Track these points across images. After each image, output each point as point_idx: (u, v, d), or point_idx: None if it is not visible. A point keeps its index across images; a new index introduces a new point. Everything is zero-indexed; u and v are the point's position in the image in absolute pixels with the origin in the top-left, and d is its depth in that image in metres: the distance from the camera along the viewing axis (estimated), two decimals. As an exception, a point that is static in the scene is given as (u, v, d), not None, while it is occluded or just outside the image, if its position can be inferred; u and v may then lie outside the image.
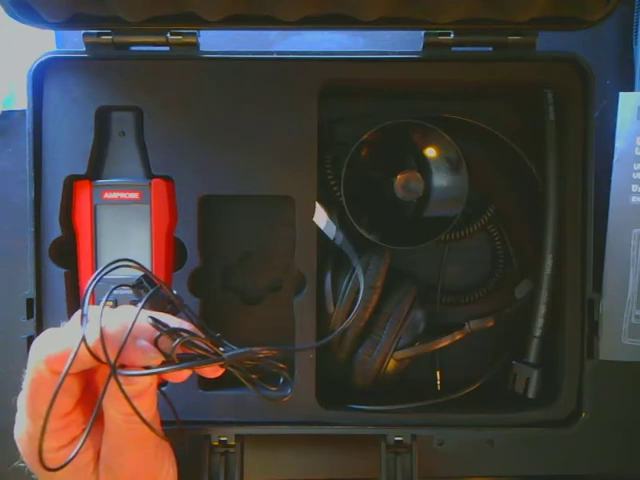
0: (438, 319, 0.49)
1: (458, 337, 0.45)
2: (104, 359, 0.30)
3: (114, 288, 0.35)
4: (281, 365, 0.35)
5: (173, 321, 0.34)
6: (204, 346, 0.32)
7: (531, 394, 0.45)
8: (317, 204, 0.45)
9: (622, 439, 0.53)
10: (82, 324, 0.31)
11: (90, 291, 0.32)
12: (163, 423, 0.39)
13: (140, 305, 0.32)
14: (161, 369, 0.31)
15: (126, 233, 0.45)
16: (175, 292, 0.35)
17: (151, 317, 0.32)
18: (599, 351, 0.46)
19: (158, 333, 0.31)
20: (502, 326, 0.47)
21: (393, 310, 0.45)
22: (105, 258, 0.45)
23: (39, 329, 0.45)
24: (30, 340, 0.45)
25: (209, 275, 0.49)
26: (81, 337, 0.30)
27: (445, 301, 0.51)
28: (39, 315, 0.45)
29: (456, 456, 0.54)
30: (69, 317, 0.45)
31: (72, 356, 0.30)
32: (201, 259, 0.46)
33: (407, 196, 0.46)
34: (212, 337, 0.33)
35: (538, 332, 0.45)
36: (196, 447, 0.48)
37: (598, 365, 0.46)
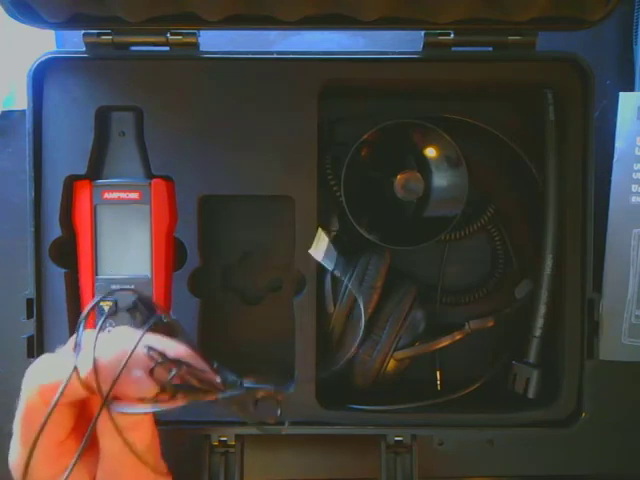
0: (438, 319, 0.49)
1: (458, 337, 0.45)
2: (96, 391, 0.30)
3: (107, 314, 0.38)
4: (278, 398, 0.33)
5: (170, 345, 0.32)
6: (200, 375, 0.31)
7: (531, 394, 0.45)
8: (319, 231, 0.44)
9: (622, 439, 0.53)
10: (75, 353, 0.31)
11: (85, 318, 0.31)
12: (164, 423, 0.40)
13: (139, 336, 0.31)
14: (154, 409, 0.30)
15: (126, 233, 0.45)
16: (173, 317, 0.34)
17: (148, 346, 0.31)
18: (599, 351, 0.46)
19: (153, 364, 0.30)
20: (502, 326, 0.47)
21: (393, 310, 0.45)
22: (105, 258, 0.45)
23: (39, 329, 0.45)
24: (30, 340, 0.45)
25: (209, 275, 0.49)
26: (73, 367, 0.30)
27: (445, 301, 0.51)
28: (39, 315, 0.45)
29: (456, 456, 0.54)
30: (69, 317, 0.45)
31: (62, 388, 0.29)
32: (201, 259, 0.46)
33: (407, 196, 0.46)
34: (210, 366, 0.32)
35: (538, 332, 0.45)
36: (196, 447, 0.48)
37: (598, 365, 0.46)
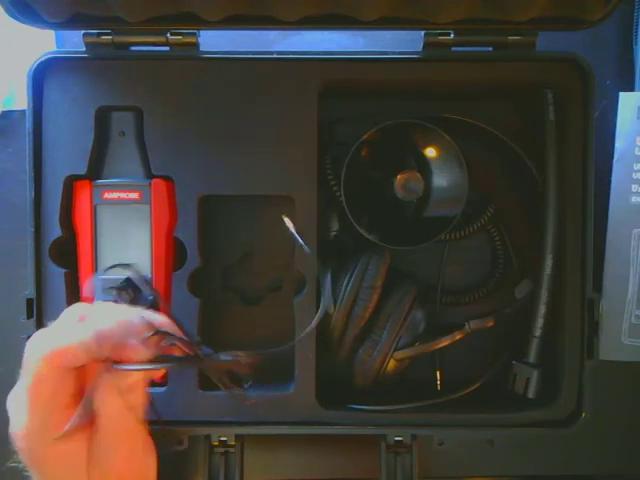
0: (438, 319, 0.49)
1: (458, 337, 0.45)
2: (101, 355, 0.32)
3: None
4: (246, 368, 0.37)
5: (159, 318, 0.36)
6: (184, 346, 0.35)
7: (531, 394, 0.45)
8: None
9: (622, 439, 0.53)
10: (80, 320, 0.34)
11: (91, 290, 0.35)
12: (164, 423, 0.40)
13: (134, 310, 0.35)
14: (152, 366, 0.33)
15: (126, 233, 0.45)
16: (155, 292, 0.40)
17: (142, 317, 0.34)
18: (599, 351, 0.46)
19: (148, 333, 0.33)
20: (502, 326, 0.47)
21: (393, 310, 0.45)
22: (105, 258, 0.45)
23: (39, 329, 0.45)
24: (30, 340, 0.45)
25: (209, 275, 0.49)
26: (83, 333, 0.33)
27: (445, 301, 0.51)
28: (39, 315, 0.45)
29: (456, 456, 0.54)
30: (69, 317, 0.45)
31: (77, 348, 0.32)
32: (201, 259, 0.46)
33: (407, 196, 0.46)
34: (193, 340, 0.37)
35: (538, 332, 0.45)
36: (196, 447, 0.48)
37: (598, 365, 0.46)
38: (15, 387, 0.35)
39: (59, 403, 0.33)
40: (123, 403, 0.34)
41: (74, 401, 0.34)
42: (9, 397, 0.35)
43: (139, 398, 0.35)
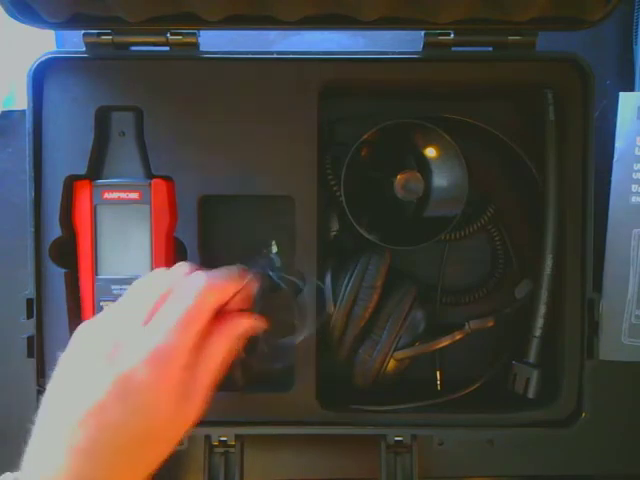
0: (438, 319, 0.49)
1: (458, 337, 0.45)
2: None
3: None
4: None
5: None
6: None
7: (531, 394, 0.45)
8: None
9: (622, 439, 0.53)
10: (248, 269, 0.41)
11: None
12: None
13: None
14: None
15: (126, 233, 0.45)
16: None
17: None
18: (599, 351, 0.46)
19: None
20: (502, 326, 0.47)
21: (393, 310, 0.45)
22: (105, 258, 0.45)
23: (39, 329, 0.45)
24: (30, 340, 0.45)
25: (209, 275, 0.49)
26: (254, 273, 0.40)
27: (445, 301, 0.51)
28: (39, 315, 0.45)
29: (456, 456, 0.54)
30: (69, 317, 0.45)
31: (258, 280, 0.40)
32: (201, 259, 0.46)
33: (407, 196, 0.46)
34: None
35: (538, 332, 0.45)
36: (196, 447, 0.48)
37: (598, 365, 0.46)
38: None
39: (199, 327, 0.35)
40: (230, 348, 0.37)
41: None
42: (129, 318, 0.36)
43: (237, 350, 0.38)
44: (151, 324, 0.35)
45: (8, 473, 0.35)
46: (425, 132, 0.46)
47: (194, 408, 0.35)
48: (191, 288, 0.36)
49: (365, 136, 0.45)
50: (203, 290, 0.36)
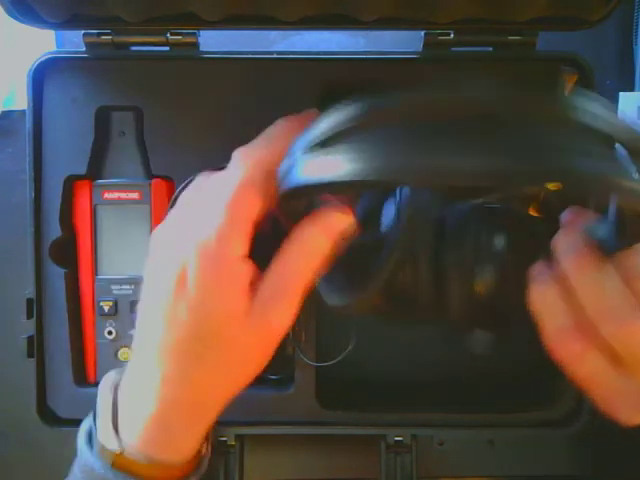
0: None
1: None
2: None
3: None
4: None
5: None
6: None
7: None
8: None
9: (622, 439, 0.53)
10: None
11: None
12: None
13: None
14: None
15: (126, 233, 0.45)
16: None
17: None
18: (599, 351, 0.46)
19: None
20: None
21: None
22: (105, 258, 0.45)
23: (39, 329, 0.45)
24: (30, 340, 0.45)
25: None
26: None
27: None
28: (39, 315, 0.45)
29: (456, 456, 0.54)
30: (69, 317, 0.45)
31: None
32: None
33: None
34: None
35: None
36: (196, 447, 0.48)
37: (598, 365, 0.46)
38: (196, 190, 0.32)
39: (253, 214, 0.29)
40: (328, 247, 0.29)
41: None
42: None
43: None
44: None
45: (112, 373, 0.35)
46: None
47: (273, 311, 0.29)
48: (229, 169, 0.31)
49: None
50: (240, 162, 0.31)
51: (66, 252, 0.46)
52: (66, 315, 0.45)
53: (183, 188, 0.42)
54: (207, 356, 0.30)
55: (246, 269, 0.29)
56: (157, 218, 0.45)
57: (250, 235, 0.29)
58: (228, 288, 0.29)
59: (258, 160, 0.30)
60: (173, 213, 0.33)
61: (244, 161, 0.31)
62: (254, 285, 0.30)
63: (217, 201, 0.29)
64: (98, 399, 0.34)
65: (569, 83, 0.41)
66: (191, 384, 0.31)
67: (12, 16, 0.42)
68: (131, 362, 0.33)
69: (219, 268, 0.29)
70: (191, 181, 0.41)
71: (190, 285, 0.29)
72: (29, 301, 0.45)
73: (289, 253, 0.29)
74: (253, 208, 0.29)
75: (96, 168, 0.46)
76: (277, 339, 0.30)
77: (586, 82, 0.45)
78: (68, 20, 0.43)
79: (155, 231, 0.33)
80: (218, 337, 0.29)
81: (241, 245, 0.29)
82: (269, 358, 0.31)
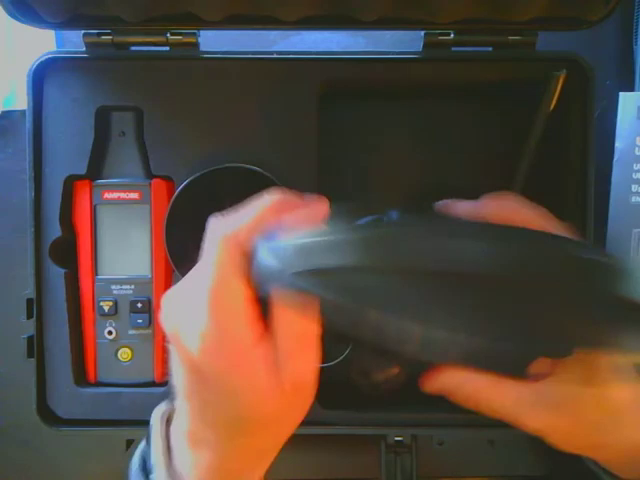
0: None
1: None
2: None
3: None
4: None
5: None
6: None
7: None
8: None
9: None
10: None
11: None
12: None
13: None
14: None
15: (126, 233, 0.45)
16: None
17: None
18: (599, 351, 0.46)
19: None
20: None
21: None
22: (105, 258, 0.45)
23: (39, 329, 0.45)
24: (30, 340, 0.45)
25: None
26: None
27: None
28: (39, 315, 0.45)
29: (456, 456, 0.54)
30: (69, 317, 0.45)
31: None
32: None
33: None
34: None
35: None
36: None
37: (598, 365, 0.46)
38: (177, 288, 0.30)
39: (247, 299, 0.27)
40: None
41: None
42: (168, 300, 0.30)
43: None
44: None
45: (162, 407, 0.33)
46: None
47: (294, 368, 0.28)
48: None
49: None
50: (213, 243, 0.28)
51: (66, 252, 0.46)
52: (66, 315, 0.45)
53: (183, 188, 0.42)
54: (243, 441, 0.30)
55: (259, 352, 0.27)
56: (157, 218, 0.45)
57: (252, 315, 0.27)
58: (249, 377, 0.27)
59: (233, 238, 0.28)
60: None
61: (218, 242, 0.28)
62: (272, 356, 0.28)
63: (200, 303, 0.27)
64: (151, 429, 0.32)
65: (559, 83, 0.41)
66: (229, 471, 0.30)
67: (12, 16, 0.42)
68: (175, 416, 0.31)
69: (234, 362, 0.27)
70: (191, 181, 0.41)
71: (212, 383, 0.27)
72: (29, 301, 0.45)
73: (288, 313, 0.27)
74: (239, 295, 0.27)
75: (96, 168, 0.46)
76: (309, 390, 0.30)
77: (586, 82, 0.45)
78: (68, 20, 0.43)
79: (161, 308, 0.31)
80: (250, 421, 0.28)
81: (246, 332, 0.27)
82: (306, 408, 0.31)
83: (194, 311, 0.28)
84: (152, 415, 0.32)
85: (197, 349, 0.27)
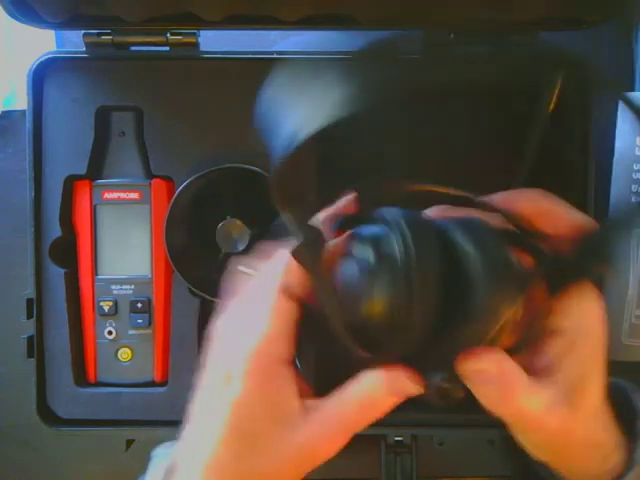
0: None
1: None
2: None
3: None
4: None
5: None
6: None
7: None
8: None
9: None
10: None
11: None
12: (163, 423, 0.39)
13: None
14: None
15: (126, 233, 0.46)
16: None
17: None
18: (599, 351, 0.46)
19: None
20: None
21: None
22: (105, 258, 0.45)
23: (39, 329, 0.45)
24: (30, 340, 0.45)
25: (209, 275, 0.49)
26: None
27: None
28: (39, 315, 0.45)
29: (456, 456, 0.54)
30: (69, 317, 0.45)
31: None
32: (201, 259, 0.46)
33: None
34: None
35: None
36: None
37: (598, 365, 0.46)
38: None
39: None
40: None
41: None
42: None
43: None
44: None
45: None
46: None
47: (318, 445, 0.30)
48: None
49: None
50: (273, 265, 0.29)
51: (66, 252, 0.46)
52: (66, 315, 0.45)
53: (183, 188, 0.42)
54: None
55: (290, 374, 0.29)
56: (157, 218, 0.45)
57: (294, 338, 0.29)
58: (275, 392, 0.28)
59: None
60: (230, 307, 0.31)
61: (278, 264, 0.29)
62: (301, 392, 0.29)
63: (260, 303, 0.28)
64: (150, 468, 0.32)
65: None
66: None
67: (12, 16, 0.42)
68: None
69: (264, 372, 0.28)
70: (191, 181, 0.41)
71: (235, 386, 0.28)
72: (29, 301, 0.45)
73: (350, 397, 0.29)
74: (292, 309, 0.28)
75: (96, 168, 0.46)
76: (312, 465, 0.30)
77: (586, 82, 0.45)
78: (68, 20, 0.43)
79: (216, 322, 0.31)
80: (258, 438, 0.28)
81: (286, 348, 0.29)
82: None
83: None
84: (152, 459, 0.32)
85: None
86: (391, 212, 0.28)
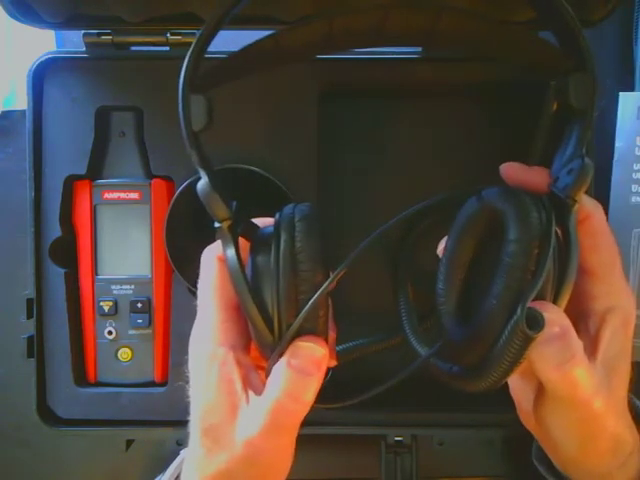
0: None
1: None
2: None
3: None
4: None
5: None
6: None
7: None
8: None
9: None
10: None
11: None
12: (162, 424, 0.39)
13: None
14: None
15: (126, 233, 0.46)
16: None
17: None
18: (599, 351, 0.46)
19: None
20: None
21: None
22: (105, 258, 0.45)
23: (39, 329, 0.45)
24: (30, 340, 0.45)
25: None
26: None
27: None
28: (39, 315, 0.45)
29: (456, 456, 0.54)
30: (69, 317, 0.45)
31: None
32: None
33: None
34: None
35: (538, 332, 0.45)
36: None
37: (598, 365, 0.46)
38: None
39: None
40: None
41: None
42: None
43: None
44: None
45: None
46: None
47: (259, 438, 0.31)
48: None
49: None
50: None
51: (66, 252, 0.46)
52: (66, 315, 0.45)
53: (183, 188, 0.42)
54: None
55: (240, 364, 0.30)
56: (157, 218, 0.45)
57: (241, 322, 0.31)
58: (226, 384, 0.30)
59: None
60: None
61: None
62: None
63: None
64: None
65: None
66: None
67: (12, 16, 0.42)
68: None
69: (218, 368, 0.30)
70: (192, 181, 0.41)
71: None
72: (29, 301, 0.45)
73: (273, 392, 0.30)
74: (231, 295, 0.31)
75: (96, 168, 0.46)
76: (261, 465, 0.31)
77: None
78: (68, 20, 0.43)
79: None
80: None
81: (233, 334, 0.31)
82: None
83: None
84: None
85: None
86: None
